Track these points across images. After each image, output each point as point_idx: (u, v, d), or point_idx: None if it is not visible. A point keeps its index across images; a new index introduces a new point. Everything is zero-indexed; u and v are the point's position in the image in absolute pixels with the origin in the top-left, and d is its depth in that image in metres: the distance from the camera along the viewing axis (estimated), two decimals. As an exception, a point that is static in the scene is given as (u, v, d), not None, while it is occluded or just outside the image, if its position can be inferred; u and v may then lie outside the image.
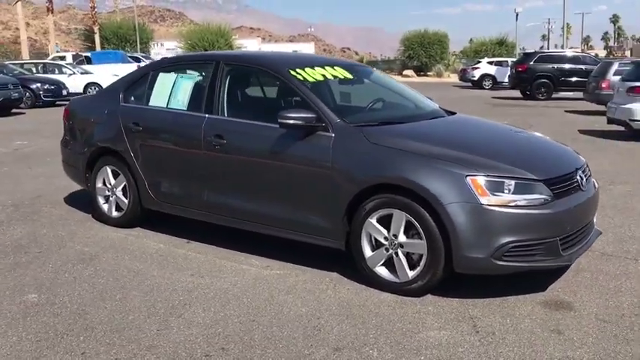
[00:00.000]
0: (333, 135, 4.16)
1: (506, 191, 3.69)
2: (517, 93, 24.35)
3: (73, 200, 6.53)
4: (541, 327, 3.48)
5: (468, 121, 4.98)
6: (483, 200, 3.63)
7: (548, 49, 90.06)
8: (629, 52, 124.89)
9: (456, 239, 3.65)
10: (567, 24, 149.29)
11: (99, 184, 5.58)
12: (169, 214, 5.22)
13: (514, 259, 3.69)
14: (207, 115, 4.78)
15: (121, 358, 3.15)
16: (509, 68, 31.25)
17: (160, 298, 3.92)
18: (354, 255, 4.13)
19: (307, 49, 70.23)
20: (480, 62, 34.47)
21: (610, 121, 12.15)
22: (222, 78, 4.83)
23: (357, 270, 4.20)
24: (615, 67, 16.82)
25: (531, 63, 23.45)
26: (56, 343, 3.30)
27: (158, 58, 34.41)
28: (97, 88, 22.01)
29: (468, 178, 3.68)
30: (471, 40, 69.64)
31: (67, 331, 3.44)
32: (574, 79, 22.71)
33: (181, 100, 5.03)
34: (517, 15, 48.54)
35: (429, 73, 45.84)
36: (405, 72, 45.01)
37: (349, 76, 5.01)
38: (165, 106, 5.12)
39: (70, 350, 3.23)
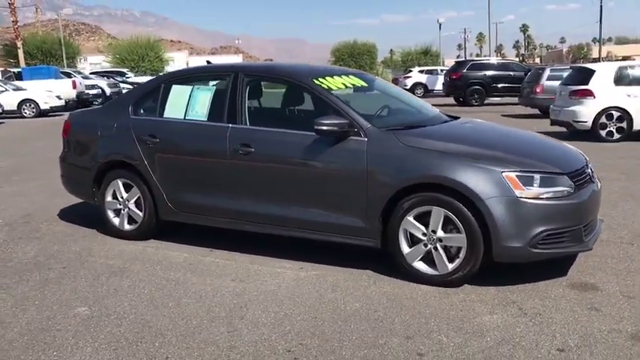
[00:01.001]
0: (366, 139, 4.39)
1: (536, 184, 4.03)
2: (451, 100, 25.44)
3: (67, 217, 6.43)
4: (579, 306, 3.83)
5: (479, 123, 5.33)
6: (519, 194, 3.97)
7: (465, 57, 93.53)
8: (538, 59, 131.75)
9: (496, 231, 3.96)
10: (481, 33, 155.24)
11: (108, 198, 5.56)
12: (179, 225, 5.30)
13: (547, 246, 4.04)
14: (230, 125, 4.90)
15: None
16: (439, 77, 32.59)
17: (213, 303, 4.01)
18: (390, 252, 4.37)
19: (235, 61, 69.89)
20: (411, 71, 35.68)
21: (553, 123, 12.99)
22: (243, 88, 4.97)
23: (389, 266, 4.45)
24: (548, 72, 17.94)
25: (464, 71, 24.57)
26: (135, 351, 3.36)
27: (86, 72, 33.38)
28: (32, 105, 21.28)
29: (503, 174, 4.01)
30: (391, 50, 71.56)
31: (139, 339, 3.49)
32: (504, 85, 23.99)
33: (200, 111, 5.12)
34: (440, 25, 50.48)
35: (358, 83, 46.73)
36: (337, 82, 45.67)
37: (364, 84, 5.28)
38: (182, 117, 5.19)
39: (153, 356, 3.29)
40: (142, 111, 5.51)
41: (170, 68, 43.76)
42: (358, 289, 4.21)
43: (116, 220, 5.57)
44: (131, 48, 41.41)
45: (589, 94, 11.91)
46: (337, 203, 4.49)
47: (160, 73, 35.36)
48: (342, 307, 3.91)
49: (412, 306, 3.90)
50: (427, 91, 33.31)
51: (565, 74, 17.42)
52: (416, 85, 33.59)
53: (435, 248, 4.19)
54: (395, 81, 37.73)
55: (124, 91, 30.89)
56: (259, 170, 4.77)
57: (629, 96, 11.74)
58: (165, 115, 5.30)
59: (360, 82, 5.23)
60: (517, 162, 4.14)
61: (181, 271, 4.68)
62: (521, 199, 3.97)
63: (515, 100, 20.86)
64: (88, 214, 6.40)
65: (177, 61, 52.33)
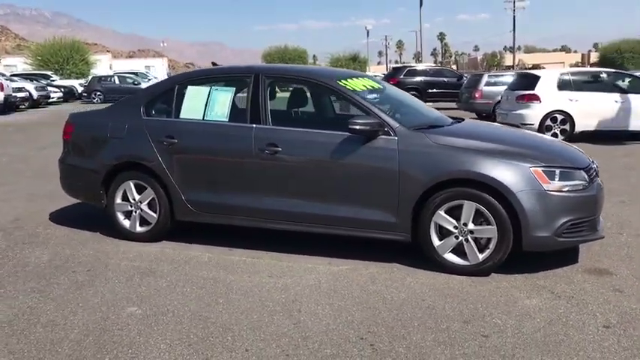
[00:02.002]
0: (397, 138, 4.61)
1: (557, 179, 4.38)
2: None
3: (60, 220, 6.27)
4: (604, 288, 4.20)
5: (487, 124, 5.68)
6: (546, 187, 4.31)
7: (386, 64, 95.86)
8: (454, 66, 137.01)
9: (526, 222, 4.28)
10: (400, 40, 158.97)
11: (118, 200, 5.50)
12: (187, 226, 5.37)
13: (570, 235, 4.40)
14: (254, 125, 4.99)
15: (288, 351, 3.35)
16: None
17: (262, 298, 4.10)
18: (421, 245, 4.61)
19: (159, 64, 68.54)
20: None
21: (501, 126, 13.70)
22: (265, 89, 5.08)
23: (415, 259, 4.69)
24: (486, 79, 18.84)
25: (401, 76, 25.30)
26: (210, 345, 3.41)
27: (7, 75, 31.90)
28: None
29: (531, 169, 4.34)
30: (314, 56, 72.54)
31: (209, 335, 3.55)
32: (438, 90, 24.91)
33: (220, 112, 5.18)
34: (368, 32, 51.53)
35: (290, 88, 47.12)
36: (268, 87, 45.86)
37: (379, 86, 5.49)
38: (201, 118, 5.23)
39: (231, 349, 3.37)
40: (155, 112, 5.49)
41: (95, 71, 42.42)
42: (396, 281, 4.41)
43: (126, 223, 5.51)
44: (54, 50, 39.79)
45: (535, 98, 12.68)
46: (369, 200, 4.68)
47: (90, 77, 34.66)
48: (390, 297, 4.11)
49: (454, 294, 4.14)
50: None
51: (501, 80, 18.45)
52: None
53: (467, 240, 4.46)
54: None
55: (51, 94, 29.85)
56: (287, 169, 4.88)
57: (571, 100, 12.59)
58: (181, 116, 5.31)
59: (375, 85, 5.44)
60: (540, 157, 4.49)
61: (212, 269, 4.72)
62: (548, 192, 4.31)
63: (450, 104, 21.72)
64: (80, 217, 6.32)
65: (101, 64, 50.69)
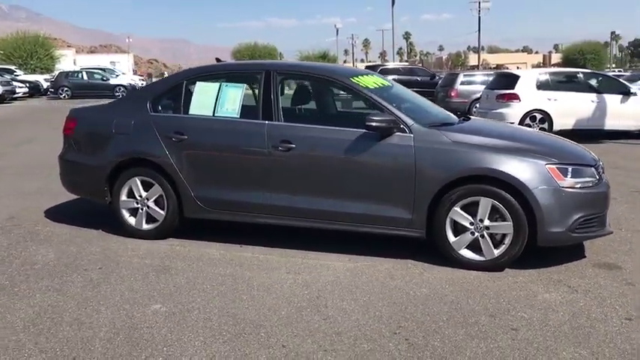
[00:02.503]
0: (412, 135, 4.66)
1: (569, 175, 4.49)
2: (362, 102, 26.24)
3: (57, 218, 6.15)
4: (617, 282, 4.33)
5: (495, 122, 5.76)
6: (561, 184, 4.41)
7: (353, 63, 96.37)
8: (420, 64, 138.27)
9: (542, 218, 4.37)
10: (366, 39, 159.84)
11: (123, 197, 5.41)
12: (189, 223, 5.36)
13: (582, 231, 4.52)
14: (267, 122, 4.98)
15: (325, 346, 3.36)
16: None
17: (286, 295, 4.10)
18: (436, 241, 4.66)
19: (125, 60, 67.44)
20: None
21: (480, 125, 13.92)
22: (276, 86, 5.07)
23: (428, 256, 4.76)
24: (461, 78, 19.11)
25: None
26: (246, 341, 3.41)
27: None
28: None
29: (546, 166, 4.43)
30: (280, 54, 72.37)
31: (241, 331, 3.54)
32: (411, 89, 25.04)
33: (231, 108, 5.15)
34: (337, 30, 51.79)
35: (259, 85, 47.04)
36: (237, 84, 45.69)
37: (388, 84, 5.53)
38: (211, 114, 5.19)
39: (267, 345, 3.36)
40: (162, 108, 5.43)
41: (60, 67, 41.51)
42: (414, 277, 4.46)
43: (132, 220, 5.44)
44: (17, 44, 38.76)
45: (515, 97, 12.92)
46: (384, 196, 4.71)
47: (57, 72, 33.71)
48: (412, 293, 4.15)
49: (474, 289, 4.21)
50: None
51: (475, 80, 18.75)
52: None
53: (482, 236, 4.53)
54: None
55: (17, 90, 29.08)
56: (301, 166, 4.88)
57: (549, 100, 12.86)
58: (191, 112, 5.26)
59: (384, 82, 5.48)
60: (554, 155, 4.59)
61: (228, 266, 4.69)
62: (563, 188, 4.41)
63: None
64: (77, 215, 6.24)
65: (66, 59, 49.62)
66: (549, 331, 3.54)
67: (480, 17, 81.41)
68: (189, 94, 5.32)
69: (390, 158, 4.68)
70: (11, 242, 5.36)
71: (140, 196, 5.36)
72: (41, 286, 4.28)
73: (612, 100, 13.07)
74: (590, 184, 4.56)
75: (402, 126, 4.69)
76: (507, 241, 4.48)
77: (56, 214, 6.35)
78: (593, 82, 13.70)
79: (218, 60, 6.04)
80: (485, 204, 4.48)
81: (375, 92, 4.97)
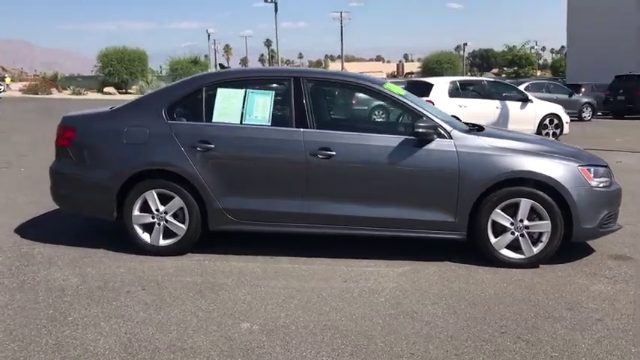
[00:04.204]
0: (453, 140, 4.82)
1: (594, 175, 4.89)
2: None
3: (38, 237, 5.57)
4: (641, 271, 4.78)
5: (505, 129, 6.05)
6: (591, 183, 4.79)
7: (216, 68, 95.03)
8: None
9: (577, 216, 4.73)
10: (227, 45, 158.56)
11: (136, 212, 5.04)
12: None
13: (607, 226, 4.94)
14: (302, 129, 4.89)
15: (451, 350, 3.40)
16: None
17: (365, 303, 4.07)
18: (477, 242, 4.86)
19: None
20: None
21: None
22: (308, 93, 5.00)
23: (459, 256, 4.95)
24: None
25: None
26: (372, 352, 3.35)
27: None
28: None
29: (578, 167, 4.80)
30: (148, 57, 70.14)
31: (358, 344, 3.46)
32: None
33: (261, 116, 4.99)
34: (209, 35, 51.00)
35: (130, 91, 45.05)
36: (106, 89, 43.41)
37: (402, 92, 5.64)
38: (239, 122, 5.00)
39: (398, 354, 3.33)
40: (179, 116, 5.12)
41: None
42: (468, 278, 4.61)
43: (146, 236, 5.07)
44: None
45: (431, 104, 13.58)
46: (427, 201, 4.82)
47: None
48: (481, 293, 4.29)
49: (532, 286, 4.44)
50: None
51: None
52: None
53: (522, 235, 4.79)
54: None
55: None
56: (343, 173, 4.85)
57: (460, 106, 13.70)
58: (214, 120, 5.02)
59: (399, 91, 5.57)
60: (579, 156, 4.99)
61: (280, 279, 4.55)
62: (593, 187, 4.80)
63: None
64: (56, 233, 5.76)
65: None
66: (631, 318, 3.84)
67: (342, 27, 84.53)
68: (210, 101, 5.07)
69: (433, 163, 4.80)
70: (10, 267, 4.78)
71: (157, 210, 5.01)
72: (95, 312, 3.88)
73: (513, 106, 14.23)
74: (608, 184, 4.99)
75: (441, 132, 4.83)
76: (545, 239, 4.78)
77: (34, 233, 5.73)
78: (496, 90, 14.81)
79: (222, 66, 5.81)
80: (525, 205, 4.74)
81: (408, 99, 5.08)
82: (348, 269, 4.77)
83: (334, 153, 4.82)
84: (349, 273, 4.68)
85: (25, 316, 3.81)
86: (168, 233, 5.07)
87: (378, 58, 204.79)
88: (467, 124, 5.82)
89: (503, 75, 69.98)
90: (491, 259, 4.84)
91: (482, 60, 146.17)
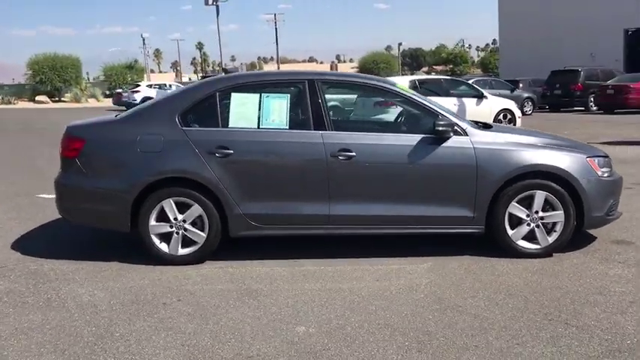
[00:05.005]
0: (469, 137, 4.96)
1: (599, 166, 5.14)
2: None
3: (42, 253, 5.36)
4: (647, 254, 5.06)
5: (504, 124, 6.23)
6: (599, 173, 5.04)
7: (147, 73, 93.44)
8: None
9: (588, 205, 4.96)
10: (157, 49, 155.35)
11: (152, 222, 4.93)
12: None
13: (611, 214, 5.20)
14: (321, 132, 4.92)
15: (514, 341, 3.51)
16: (168, 91, 32.67)
17: (408, 301, 4.13)
18: (496, 235, 5.01)
19: None
20: (139, 86, 34.84)
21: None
22: (323, 95, 5.03)
23: (478, 249, 5.11)
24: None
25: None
26: (435, 348, 3.42)
27: None
28: None
29: (587, 159, 5.04)
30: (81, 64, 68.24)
31: (431, 341, 3.52)
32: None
33: (278, 120, 4.98)
34: (144, 40, 49.88)
35: (63, 99, 43.53)
36: (38, 98, 41.76)
37: (412, 92, 5.74)
38: (256, 126, 4.97)
39: (461, 346, 3.42)
40: (194, 122, 5.04)
41: None
42: (493, 270, 4.73)
43: (163, 246, 4.96)
44: None
45: (392, 103, 13.81)
46: (447, 197, 4.94)
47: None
48: (510, 284, 4.43)
49: (555, 274, 4.62)
50: (157, 106, 32.92)
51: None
52: (145, 99, 32.85)
53: (537, 226, 4.99)
54: (118, 96, 36.42)
55: None
56: (365, 174, 4.90)
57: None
58: (231, 125, 4.98)
59: (410, 91, 5.69)
60: (584, 149, 5.23)
61: (313, 281, 4.56)
62: (600, 178, 5.04)
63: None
64: (62, 247, 5.56)
65: None
66: (660, 299, 4.07)
67: (276, 29, 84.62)
68: (224, 107, 5.02)
69: (452, 160, 4.92)
70: (27, 285, 4.58)
71: (175, 219, 4.92)
72: (141, 326, 3.78)
73: (469, 102, 14.67)
74: (611, 173, 5.25)
75: (457, 129, 4.96)
76: (558, 228, 4.98)
77: (33, 249, 5.51)
78: (454, 87, 15.22)
79: (226, 71, 5.73)
80: (540, 196, 4.93)
81: (422, 98, 5.19)
82: (373, 268, 4.83)
83: (354, 154, 4.86)
84: (377, 272, 4.74)
85: (70, 335, 3.67)
86: (185, 242, 4.98)
87: (311, 60, 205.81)
88: (474, 122, 6.00)
89: (433, 73, 71.76)
90: (508, 251, 5.01)
91: (412, 59, 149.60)
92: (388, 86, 5.29)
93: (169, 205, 4.90)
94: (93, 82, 54.10)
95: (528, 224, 4.98)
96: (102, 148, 5.03)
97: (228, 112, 5.01)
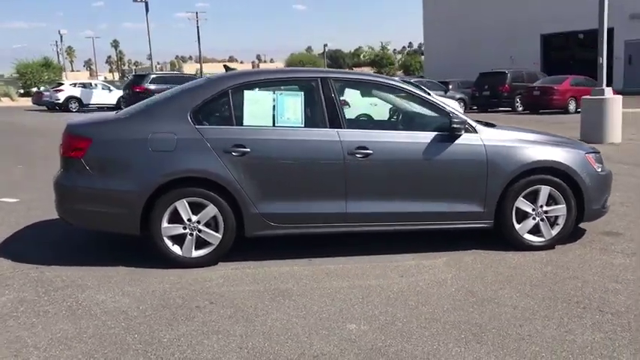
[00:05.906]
0: (479, 135, 5.11)
1: (595, 161, 5.42)
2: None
3: (44, 260, 5.06)
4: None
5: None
6: (596, 168, 5.32)
7: (71, 69, 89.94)
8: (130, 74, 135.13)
9: (588, 198, 5.22)
10: (70, 47, 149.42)
11: (165, 224, 4.77)
12: None
13: (605, 207, 5.50)
14: (337, 130, 4.92)
15: (559, 331, 3.65)
16: (94, 90, 31.58)
17: (441, 296, 4.21)
18: (503, 229, 5.18)
19: None
20: (62, 84, 33.36)
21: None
22: (337, 94, 5.04)
23: (484, 243, 5.28)
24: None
25: (147, 84, 24.63)
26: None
27: None
28: None
29: (586, 155, 5.30)
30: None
31: (463, 334, 3.59)
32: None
33: (294, 118, 4.94)
34: (62, 37, 47.85)
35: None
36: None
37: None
38: (271, 124, 4.91)
39: (497, 338, 3.53)
40: (207, 120, 4.90)
41: None
42: (508, 263, 4.89)
43: (176, 248, 4.81)
44: None
45: (345, 103, 13.95)
46: (460, 193, 5.07)
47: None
48: (530, 275, 4.59)
49: (567, 265, 4.82)
50: (82, 106, 31.71)
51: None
52: (70, 99, 31.67)
53: (542, 220, 5.20)
54: (38, 95, 34.77)
55: None
56: (381, 171, 4.94)
57: (371, 105, 14.18)
58: (246, 124, 4.89)
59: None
60: (578, 145, 5.50)
61: (338, 279, 4.55)
62: (597, 172, 5.33)
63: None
64: (57, 251, 5.30)
65: None
66: (669, 285, 4.35)
67: (198, 27, 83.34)
68: (238, 104, 4.92)
69: (464, 156, 5.05)
70: (38, 294, 4.31)
71: (189, 220, 4.77)
72: (187, 330, 3.65)
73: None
74: (604, 168, 5.55)
75: (468, 127, 5.10)
76: (561, 221, 5.22)
77: (27, 255, 5.19)
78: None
79: (227, 68, 5.61)
80: (545, 191, 5.15)
81: (434, 97, 5.30)
82: (392, 264, 4.88)
83: (371, 152, 4.90)
84: (397, 268, 4.79)
85: (113, 343, 3.50)
86: (199, 243, 4.85)
87: (231, 59, 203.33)
88: (479, 121, 6.17)
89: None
90: (515, 244, 5.19)
91: (332, 60, 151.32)
92: (399, 85, 5.37)
93: (183, 206, 4.75)
94: (6, 80, 51.17)
95: (534, 218, 5.19)
96: (111, 147, 4.80)
97: (242, 110, 4.91)
